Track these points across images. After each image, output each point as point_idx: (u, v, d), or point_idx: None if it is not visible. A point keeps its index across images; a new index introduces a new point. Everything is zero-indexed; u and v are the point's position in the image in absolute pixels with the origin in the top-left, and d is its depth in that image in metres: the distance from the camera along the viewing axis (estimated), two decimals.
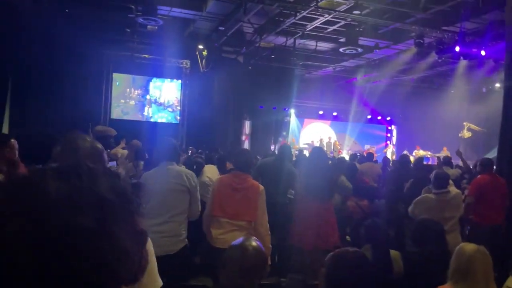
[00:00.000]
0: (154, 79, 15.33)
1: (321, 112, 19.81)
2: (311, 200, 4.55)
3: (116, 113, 14.82)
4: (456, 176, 6.56)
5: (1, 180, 2.83)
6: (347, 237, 5.30)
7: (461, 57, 11.22)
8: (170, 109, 15.58)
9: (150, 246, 1.06)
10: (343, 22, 11.68)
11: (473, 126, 17.15)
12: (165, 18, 11.55)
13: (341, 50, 13.63)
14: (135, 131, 11.81)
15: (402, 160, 6.43)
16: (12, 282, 0.50)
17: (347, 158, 9.96)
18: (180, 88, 15.51)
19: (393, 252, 2.84)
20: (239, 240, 1.82)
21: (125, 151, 6.12)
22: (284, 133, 17.50)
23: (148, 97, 15.27)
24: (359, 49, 13.32)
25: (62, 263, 0.50)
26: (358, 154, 11.39)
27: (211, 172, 5.58)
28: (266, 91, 15.94)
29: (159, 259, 1.36)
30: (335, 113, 20.04)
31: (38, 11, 10.63)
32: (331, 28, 12.22)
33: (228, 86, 15.32)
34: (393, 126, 21.27)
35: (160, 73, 15.03)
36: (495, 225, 4.77)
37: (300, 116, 19.19)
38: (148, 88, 15.35)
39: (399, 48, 13.49)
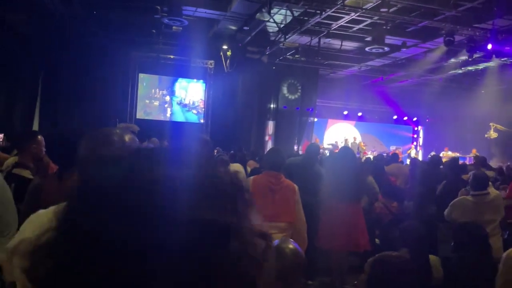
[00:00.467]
0: (180, 80, 15.43)
1: (345, 112, 19.54)
2: (339, 201, 4.44)
3: (140, 113, 15.00)
4: (493, 178, 6.32)
5: (29, 177, 2.84)
6: (376, 240, 5.15)
7: (493, 55, 10.85)
8: (194, 111, 15.63)
9: None
10: (369, 21, 11.47)
11: (499, 127, 16.63)
12: (190, 18, 11.59)
13: (367, 49, 13.39)
14: (160, 131, 11.94)
15: (433, 160, 6.22)
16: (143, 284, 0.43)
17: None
18: (204, 89, 15.57)
19: (432, 257, 2.70)
20: (275, 242, 1.75)
21: None
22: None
23: (169, 98, 15.34)
24: (385, 48, 13.05)
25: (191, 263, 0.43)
26: (385, 155, 11.16)
27: (237, 168, 5.58)
28: (290, 91, 15.83)
29: None
30: (360, 114, 19.73)
31: (69, 14, 10.87)
32: (357, 27, 12.02)
33: (252, 86, 15.27)
34: (419, 127, 20.80)
35: (184, 74, 15.12)
36: None
37: (324, 116, 18.98)
38: (174, 89, 15.45)
39: (427, 47, 13.16)
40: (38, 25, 11.23)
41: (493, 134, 16.75)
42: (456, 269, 2.61)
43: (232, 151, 10.18)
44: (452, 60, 13.32)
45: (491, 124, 16.82)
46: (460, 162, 6.86)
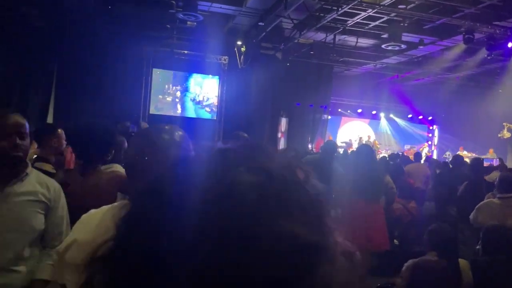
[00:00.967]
0: (194, 75, 15.35)
1: (359, 111, 19.34)
2: (358, 200, 4.36)
3: (152, 108, 14.98)
4: None
5: (52, 171, 2.80)
6: (395, 240, 5.06)
7: None
8: (208, 109, 15.52)
9: None
10: (386, 18, 11.30)
11: None
12: (205, 13, 11.53)
13: (383, 46, 13.19)
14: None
15: (455, 161, 6.07)
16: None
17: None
18: (218, 85, 15.50)
19: (461, 261, 2.61)
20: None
21: None
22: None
23: (179, 93, 15.24)
24: (402, 46, 12.84)
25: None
26: (400, 154, 11.00)
27: None
28: (304, 88, 15.70)
29: None
30: (374, 112, 19.52)
31: (83, 8, 10.89)
32: (373, 23, 11.85)
33: (266, 83, 15.18)
34: (434, 126, 20.51)
35: (198, 69, 15.05)
36: None
37: (338, 114, 18.81)
38: (188, 85, 15.37)
39: (445, 45, 12.93)
40: (52, 19, 11.29)
41: (506, 134, 16.50)
42: (487, 274, 2.52)
43: None
44: (470, 58, 13.07)
45: (504, 124, 16.56)
46: (486, 164, 6.69)
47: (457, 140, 17.62)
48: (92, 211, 1.26)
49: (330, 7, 10.22)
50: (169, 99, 15.32)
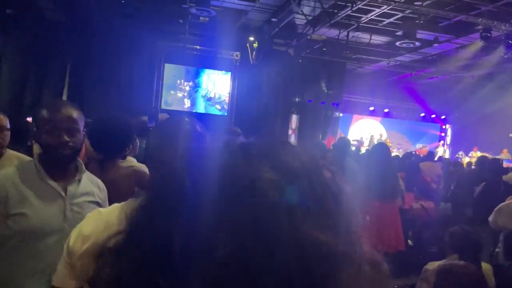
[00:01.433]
0: (207, 71, 15.28)
1: (371, 108, 19.16)
2: (372, 198, 4.30)
3: (163, 103, 14.99)
4: None
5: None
6: (409, 241, 4.99)
7: None
8: (218, 106, 15.45)
9: None
10: (400, 14, 11.15)
11: None
12: (217, 9, 11.49)
13: (397, 43, 13.04)
14: None
15: (480, 162, 5.89)
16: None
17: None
18: (230, 81, 15.45)
19: (484, 265, 2.53)
20: None
21: None
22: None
23: (188, 88, 15.17)
24: (416, 43, 12.67)
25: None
26: (414, 152, 10.88)
27: None
28: (316, 85, 15.60)
29: None
30: (386, 110, 19.34)
31: (96, 3, 10.92)
32: (388, 20, 11.70)
33: (277, 79, 15.11)
34: (447, 125, 20.27)
35: (210, 65, 15.01)
36: None
37: (349, 112, 18.67)
38: (200, 81, 15.32)
39: (460, 43, 12.72)
40: (65, 12, 11.35)
41: None
42: (511, 280, 2.44)
43: None
44: (486, 57, 12.84)
45: None
46: (507, 164, 6.55)
47: (470, 140, 17.39)
48: (101, 209, 1.23)
49: (344, 3, 10.11)
50: (180, 94, 15.31)
